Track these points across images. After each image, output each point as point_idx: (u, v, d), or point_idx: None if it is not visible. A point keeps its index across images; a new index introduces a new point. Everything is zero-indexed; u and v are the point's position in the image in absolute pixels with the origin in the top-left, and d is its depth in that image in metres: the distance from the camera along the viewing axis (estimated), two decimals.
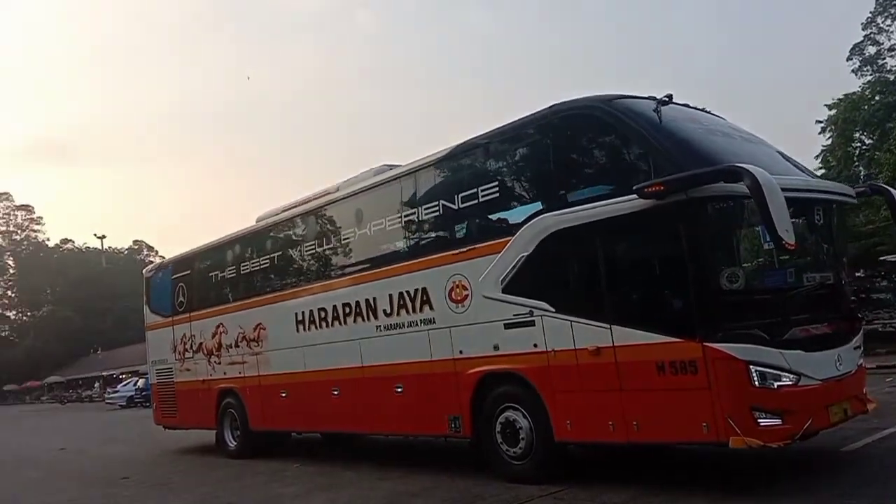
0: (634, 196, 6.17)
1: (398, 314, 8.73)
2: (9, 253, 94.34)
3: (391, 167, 9.50)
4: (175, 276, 14.16)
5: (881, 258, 20.91)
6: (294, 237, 11.02)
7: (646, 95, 7.01)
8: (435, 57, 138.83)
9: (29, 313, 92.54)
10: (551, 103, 7.29)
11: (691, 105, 7.71)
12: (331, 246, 10.14)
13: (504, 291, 7.43)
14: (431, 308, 8.29)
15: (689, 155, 6.21)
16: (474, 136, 8.14)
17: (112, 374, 56.95)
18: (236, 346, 11.99)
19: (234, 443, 12.31)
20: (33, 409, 55.13)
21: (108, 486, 10.67)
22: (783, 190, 5.87)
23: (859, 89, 32.08)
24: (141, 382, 35.72)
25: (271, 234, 11.59)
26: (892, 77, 32.90)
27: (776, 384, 5.86)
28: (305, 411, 10.56)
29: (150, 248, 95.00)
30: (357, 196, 9.78)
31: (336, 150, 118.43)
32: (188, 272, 13.76)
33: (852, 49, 36.96)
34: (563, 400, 7.00)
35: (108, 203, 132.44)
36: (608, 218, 6.48)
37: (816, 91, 74.26)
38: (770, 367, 5.84)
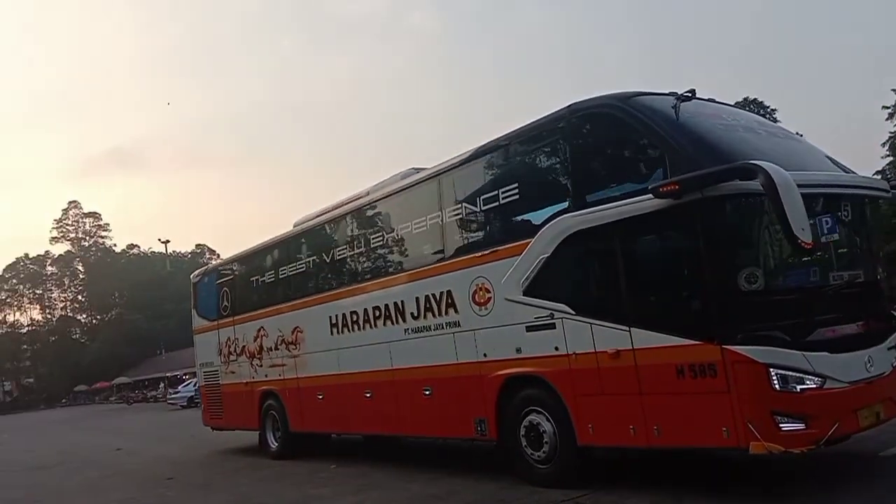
0: (650, 196, 6.06)
1: (425, 317, 8.77)
2: (78, 259, 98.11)
3: (418, 170, 9.55)
4: (219, 281, 14.52)
5: None
6: (326, 241, 11.17)
7: (667, 91, 6.86)
8: (494, 56, 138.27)
9: (98, 317, 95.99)
10: (569, 103, 7.21)
11: (718, 101, 7.58)
12: (360, 250, 10.24)
13: (525, 294, 7.39)
14: (456, 311, 8.30)
15: (706, 152, 6.05)
16: (494, 137, 8.11)
17: (175, 375, 58.49)
18: (276, 348, 12.21)
19: (276, 444, 12.52)
20: (101, 409, 57.07)
21: (154, 486, 11.01)
22: (804, 186, 5.72)
23: None
24: None
25: (306, 238, 11.78)
26: None
27: (799, 387, 5.65)
28: (340, 413, 10.69)
29: (212, 252, 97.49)
30: (382, 201, 9.88)
31: (395, 150, 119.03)
32: (231, 277, 14.12)
33: None
34: (585, 404, 6.92)
35: (172, 208, 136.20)
36: (625, 218, 6.37)
37: (884, 76, 71.26)
38: (792, 369, 5.64)
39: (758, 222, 5.86)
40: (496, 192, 7.88)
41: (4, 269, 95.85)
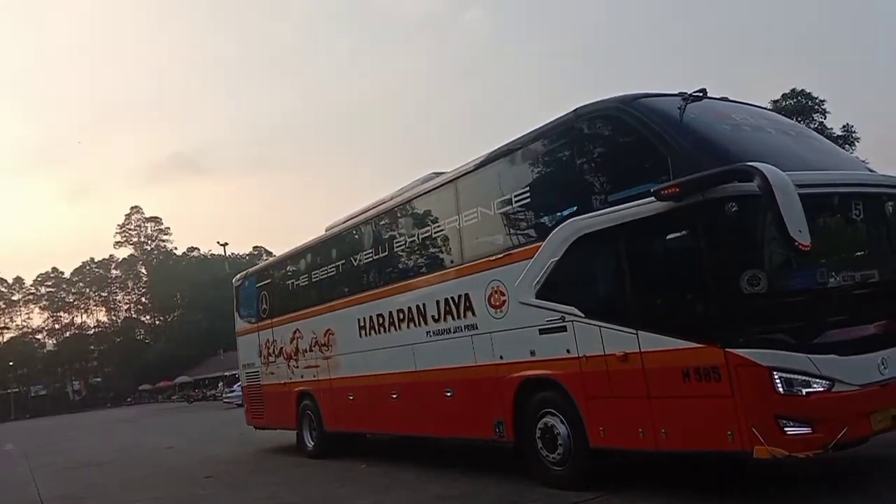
0: (653, 199, 6.05)
1: (445, 320, 8.89)
2: (141, 262, 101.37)
3: (438, 175, 9.66)
4: (259, 285, 14.92)
5: None
6: (352, 246, 11.38)
7: (676, 92, 6.81)
8: (549, 54, 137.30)
9: (161, 318, 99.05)
10: (576, 106, 7.22)
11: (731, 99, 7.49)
12: (385, 254, 10.40)
13: (537, 297, 7.43)
14: (474, 314, 8.39)
15: (708, 154, 6.00)
16: (508, 141, 8.18)
17: (233, 374, 59.79)
18: (310, 350, 12.49)
19: (312, 443, 12.80)
20: (162, 407, 58.91)
21: (193, 484, 11.38)
22: (810, 185, 5.69)
23: None
24: None
25: (334, 243, 12.02)
26: None
27: (804, 391, 5.56)
28: (370, 414, 10.89)
29: (269, 253, 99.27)
30: (402, 206, 10.04)
31: (453, 149, 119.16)
32: (269, 280, 14.49)
33: None
34: (596, 406, 6.93)
35: (230, 211, 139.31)
36: (630, 221, 6.37)
37: None
38: (797, 372, 5.55)
39: (760, 224, 5.75)
40: (508, 195, 7.95)
41: (72, 273, 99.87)
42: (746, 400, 5.61)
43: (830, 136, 31.03)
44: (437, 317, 9.03)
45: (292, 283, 13.47)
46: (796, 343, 5.61)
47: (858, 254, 6.63)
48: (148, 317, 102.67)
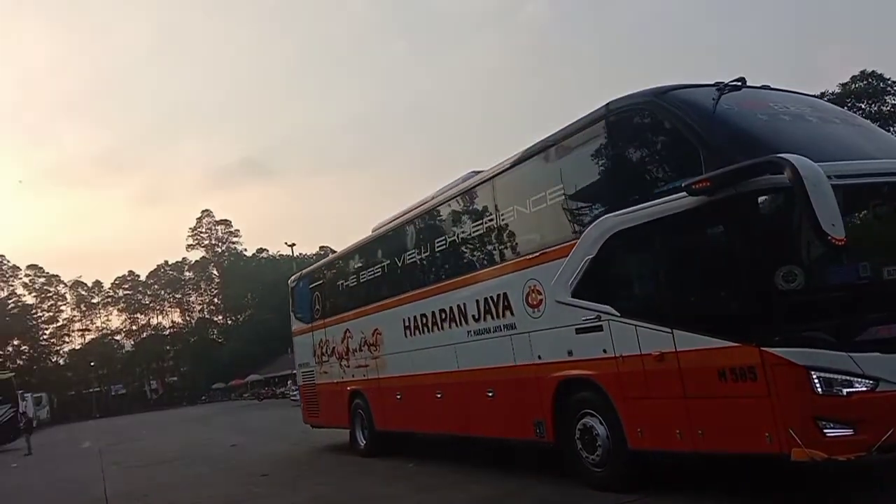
0: (685, 194, 5.88)
1: (484, 319, 8.86)
2: (213, 264, 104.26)
3: (476, 173, 9.61)
4: (312, 286, 15.16)
5: None
6: (396, 246, 11.43)
7: (712, 83, 6.59)
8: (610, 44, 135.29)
9: (233, 318, 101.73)
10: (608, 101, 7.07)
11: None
12: (426, 254, 10.43)
13: (573, 296, 7.32)
14: (512, 313, 8.34)
15: (741, 146, 5.79)
16: (542, 138, 8.08)
17: None
18: (360, 350, 12.63)
19: (364, 442, 12.94)
20: (233, 405, 60.55)
21: (248, 482, 11.66)
22: (849, 176, 5.45)
23: None
24: None
25: (380, 243, 12.12)
26: None
27: (846, 391, 5.30)
28: (417, 413, 10.93)
29: (334, 252, 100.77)
30: (442, 205, 10.04)
31: (517, 144, 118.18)
32: (321, 281, 14.71)
33: None
34: (634, 407, 6.79)
35: (297, 212, 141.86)
36: (662, 217, 6.21)
37: None
38: (837, 372, 5.29)
39: (795, 218, 5.50)
40: (543, 193, 7.85)
41: (147, 276, 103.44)
42: (783, 401, 5.40)
43: None
44: (477, 316, 9.00)
45: (342, 283, 13.65)
46: (836, 341, 5.36)
47: None
48: (220, 317, 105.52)
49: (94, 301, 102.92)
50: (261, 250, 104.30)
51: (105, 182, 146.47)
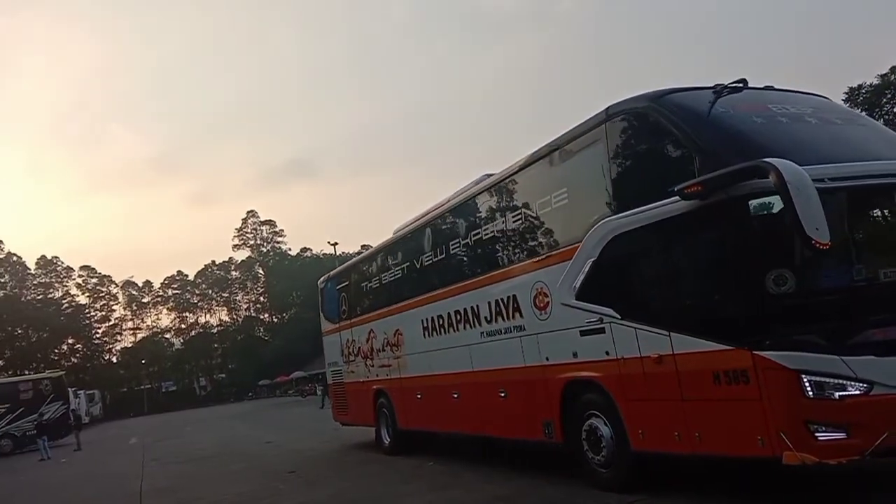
0: (678, 197, 5.90)
1: (496, 321, 8.97)
2: (258, 263, 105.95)
3: (489, 176, 9.71)
4: (338, 287, 15.44)
5: None
6: (414, 248, 11.60)
7: (712, 85, 6.58)
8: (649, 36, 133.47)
9: (278, 316, 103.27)
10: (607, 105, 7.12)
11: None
12: (441, 256, 10.56)
13: (577, 298, 7.38)
14: (521, 315, 8.43)
15: (734, 150, 5.79)
16: (547, 142, 8.14)
17: None
18: (383, 350, 12.84)
19: (388, 440, 13.15)
20: (277, 402, 61.66)
21: (275, 479, 12.00)
22: (842, 178, 5.44)
23: None
24: None
25: (400, 245, 12.30)
26: None
27: (838, 394, 5.27)
28: (436, 412, 11.10)
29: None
30: (455, 208, 10.16)
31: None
32: (347, 283, 14.96)
33: None
34: (635, 409, 6.83)
35: (339, 211, 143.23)
36: (658, 221, 6.25)
37: None
38: (829, 375, 5.27)
39: (784, 222, 5.49)
40: (548, 197, 7.93)
41: (195, 276, 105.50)
42: (774, 404, 5.40)
43: None
44: (489, 318, 9.12)
45: (366, 284, 13.89)
46: (828, 344, 5.34)
47: None
48: (266, 315, 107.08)
49: (145, 301, 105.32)
50: (304, 249, 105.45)
51: (155, 184, 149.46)
